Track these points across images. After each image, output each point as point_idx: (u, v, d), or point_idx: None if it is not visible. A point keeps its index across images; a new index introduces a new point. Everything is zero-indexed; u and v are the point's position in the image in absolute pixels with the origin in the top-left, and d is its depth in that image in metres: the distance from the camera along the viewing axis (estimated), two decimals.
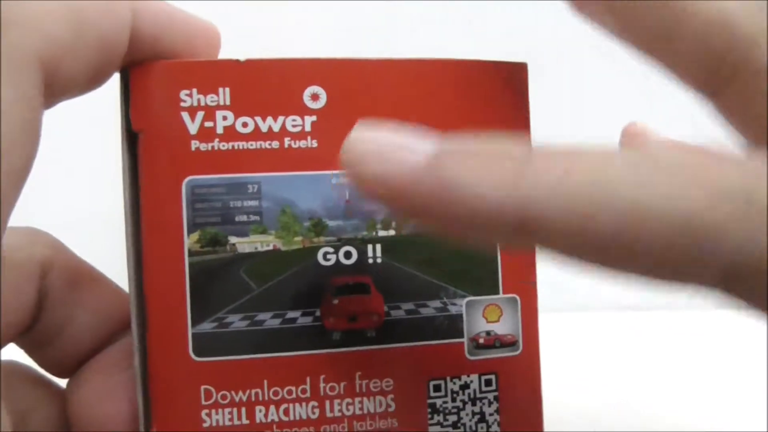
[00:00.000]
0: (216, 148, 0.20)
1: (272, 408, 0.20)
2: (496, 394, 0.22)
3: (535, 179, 0.14)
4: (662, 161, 0.15)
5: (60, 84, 0.18)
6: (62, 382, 0.22)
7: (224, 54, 0.21)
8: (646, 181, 0.14)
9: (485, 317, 0.21)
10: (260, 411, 0.20)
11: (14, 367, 0.21)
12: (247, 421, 0.20)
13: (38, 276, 0.21)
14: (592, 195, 0.14)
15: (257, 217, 0.20)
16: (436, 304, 0.21)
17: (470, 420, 0.21)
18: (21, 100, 0.17)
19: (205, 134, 0.20)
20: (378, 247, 0.21)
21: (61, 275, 0.21)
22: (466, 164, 0.15)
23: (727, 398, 0.36)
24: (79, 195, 0.48)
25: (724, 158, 0.15)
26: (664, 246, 0.14)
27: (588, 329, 0.47)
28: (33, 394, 0.21)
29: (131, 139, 0.20)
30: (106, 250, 0.25)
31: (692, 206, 0.14)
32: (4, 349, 0.21)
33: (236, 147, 0.20)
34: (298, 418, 0.20)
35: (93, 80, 0.19)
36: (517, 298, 0.22)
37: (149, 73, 0.20)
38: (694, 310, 0.49)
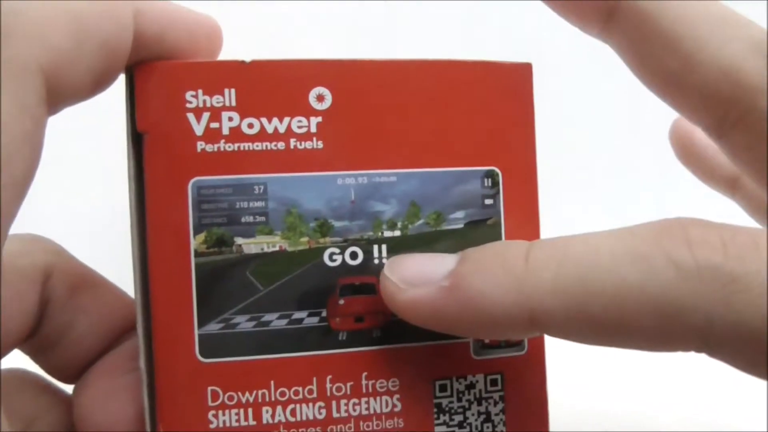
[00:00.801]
0: (222, 149, 0.20)
1: (279, 408, 0.20)
2: (501, 393, 0.22)
3: (534, 281, 0.17)
4: (638, 243, 0.17)
5: (63, 91, 0.18)
6: (68, 388, 0.22)
7: (229, 55, 0.21)
8: (621, 269, 0.17)
9: None
10: (267, 412, 0.20)
11: (20, 374, 0.21)
12: (254, 422, 0.20)
13: (40, 282, 0.21)
14: (578, 292, 0.17)
15: (263, 218, 0.20)
16: None
17: (476, 420, 0.21)
18: (22, 110, 0.17)
19: (211, 135, 0.20)
20: (384, 247, 0.21)
21: (62, 281, 0.21)
22: (477, 281, 0.18)
23: (727, 398, 0.36)
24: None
25: (703, 231, 0.17)
26: (644, 322, 0.16)
27: None
28: (39, 401, 0.21)
29: (137, 140, 0.20)
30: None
31: (663, 284, 0.16)
32: (11, 356, 0.21)
33: (242, 148, 0.20)
34: (304, 418, 0.20)
35: (97, 85, 0.19)
36: None
37: (154, 74, 0.20)
38: None
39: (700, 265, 0.16)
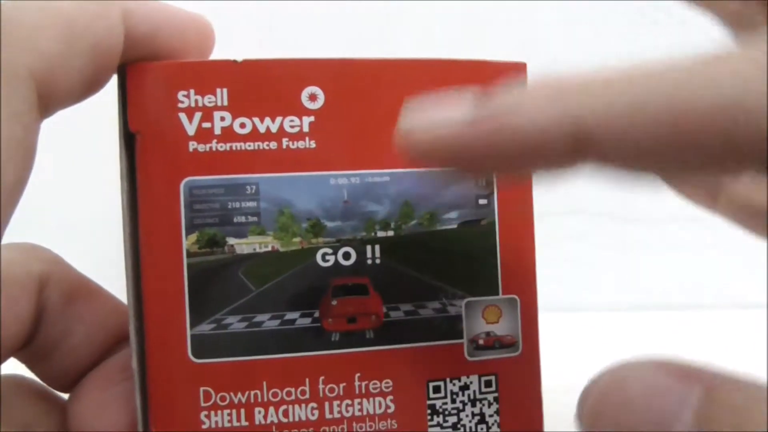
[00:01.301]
0: (214, 149, 0.20)
1: (271, 409, 0.20)
2: (496, 395, 0.21)
3: (581, 96, 0.15)
4: (705, 60, 0.14)
5: (55, 96, 0.18)
6: (65, 395, 0.22)
7: (221, 54, 0.21)
8: (684, 78, 0.14)
9: (485, 318, 0.21)
10: (259, 412, 0.20)
11: (17, 381, 0.21)
12: (247, 423, 0.20)
13: (36, 290, 0.21)
14: (634, 98, 0.14)
15: (255, 218, 0.20)
16: (435, 305, 0.21)
17: (470, 421, 0.21)
18: (13, 117, 0.16)
19: (203, 135, 0.20)
20: (377, 248, 0.21)
21: (58, 289, 0.21)
22: (512, 98, 0.15)
23: None
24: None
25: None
26: (709, 135, 0.14)
27: (588, 329, 0.47)
28: (35, 407, 0.21)
29: (129, 140, 0.20)
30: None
31: (731, 90, 0.14)
32: (9, 363, 0.21)
33: (234, 148, 0.20)
34: (297, 419, 0.20)
35: (89, 88, 0.19)
36: (517, 298, 0.22)
37: (146, 75, 0.20)
38: (694, 310, 0.50)
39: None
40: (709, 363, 0.15)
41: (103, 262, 0.23)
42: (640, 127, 0.14)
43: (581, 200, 0.52)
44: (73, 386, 0.21)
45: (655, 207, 0.53)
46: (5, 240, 0.18)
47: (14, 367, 0.21)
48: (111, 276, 0.22)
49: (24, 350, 0.21)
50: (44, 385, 0.22)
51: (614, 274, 0.54)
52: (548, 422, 0.22)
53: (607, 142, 0.15)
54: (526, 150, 0.15)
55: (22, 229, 0.21)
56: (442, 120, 0.16)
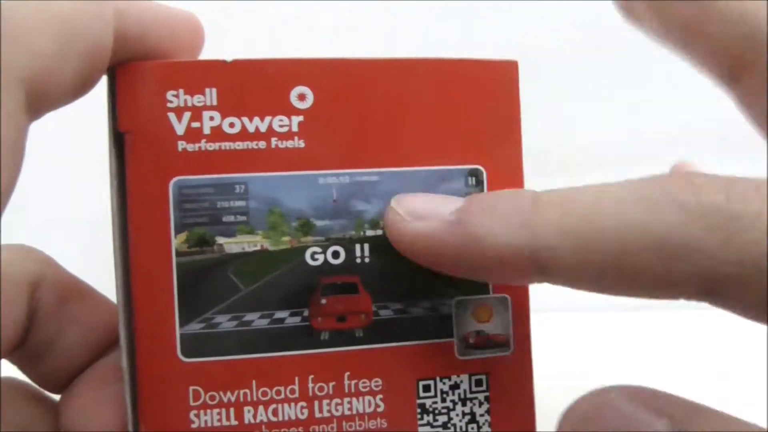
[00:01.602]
0: (203, 148, 0.20)
1: (261, 408, 0.20)
2: (486, 394, 0.21)
3: (541, 220, 0.17)
4: (643, 188, 0.17)
5: (47, 97, 0.18)
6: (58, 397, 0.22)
7: (211, 54, 0.21)
8: (626, 210, 0.17)
9: (475, 317, 0.21)
10: (249, 411, 0.20)
11: (11, 383, 0.22)
12: (236, 422, 0.20)
13: (29, 291, 0.21)
14: (583, 230, 0.17)
15: (244, 218, 0.20)
16: (425, 303, 0.21)
17: (460, 420, 0.21)
18: (4, 119, 0.17)
19: (192, 135, 0.20)
20: (366, 246, 0.21)
21: (51, 290, 0.21)
22: (481, 218, 0.18)
23: (727, 398, 0.36)
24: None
25: (707, 178, 0.17)
26: (647, 262, 0.16)
27: (585, 329, 0.47)
28: (29, 410, 0.21)
29: (118, 140, 0.20)
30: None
31: (667, 224, 0.16)
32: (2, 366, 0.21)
33: (223, 147, 0.20)
34: (286, 418, 0.20)
35: (80, 89, 0.19)
36: (508, 297, 0.22)
37: (136, 74, 0.20)
38: (693, 310, 0.49)
39: (704, 204, 0.16)
40: (680, 395, 0.17)
41: (92, 261, 0.23)
42: (588, 264, 0.17)
43: None
44: (64, 388, 0.21)
45: None
46: None
47: (5, 368, 0.21)
48: (100, 275, 0.22)
49: (16, 351, 0.21)
50: (38, 387, 0.22)
51: None
52: (543, 423, 0.22)
53: (559, 271, 0.17)
54: (488, 266, 0.18)
55: (10, 229, 0.21)
56: (425, 226, 0.19)
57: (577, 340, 0.45)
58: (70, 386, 0.21)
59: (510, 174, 0.22)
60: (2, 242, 0.21)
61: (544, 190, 0.18)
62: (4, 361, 0.21)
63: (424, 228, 0.19)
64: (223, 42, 0.23)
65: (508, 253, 0.17)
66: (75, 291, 0.22)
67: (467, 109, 0.21)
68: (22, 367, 0.22)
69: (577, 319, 0.48)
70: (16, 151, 0.17)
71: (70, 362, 0.21)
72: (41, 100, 0.18)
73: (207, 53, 0.21)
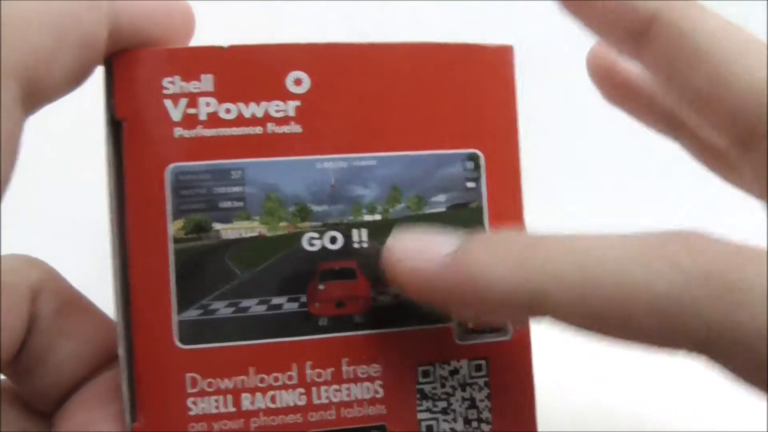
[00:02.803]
0: (199, 134, 0.20)
1: (259, 395, 0.20)
2: (486, 379, 0.21)
3: (539, 264, 0.17)
4: (645, 245, 0.17)
5: (43, 91, 0.18)
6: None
7: (207, 41, 0.21)
8: (626, 265, 0.17)
9: None
10: (247, 398, 0.20)
11: (8, 391, 0.21)
12: (234, 409, 0.20)
13: (28, 300, 0.20)
14: (582, 280, 0.17)
15: (241, 203, 0.20)
16: None
17: (460, 406, 0.21)
18: (2, 112, 0.17)
19: (189, 121, 0.20)
20: (364, 231, 0.21)
21: (50, 301, 0.21)
22: (480, 257, 0.18)
23: (726, 398, 0.36)
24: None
25: (708, 242, 0.17)
26: (645, 320, 0.17)
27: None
28: (29, 414, 0.21)
29: (115, 128, 0.20)
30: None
31: (666, 285, 0.16)
32: None
33: (220, 133, 0.20)
34: (285, 405, 0.20)
35: (75, 80, 0.19)
36: None
37: (132, 62, 0.20)
38: None
39: (703, 270, 0.16)
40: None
41: (88, 250, 0.23)
42: (584, 313, 0.17)
43: (581, 200, 0.52)
44: (55, 404, 0.21)
45: None
46: None
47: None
48: (97, 262, 0.22)
49: (10, 362, 0.21)
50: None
51: None
52: (544, 422, 0.22)
53: (557, 315, 0.17)
54: (486, 307, 0.18)
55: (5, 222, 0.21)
56: (422, 262, 0.19)
57: (577, 343, 0.45)
58: (63, 407, 0.21)
59: (507, 159, 0.22)
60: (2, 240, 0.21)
61: (543, 234, 0.18)
62: None
63: (420, 266, 0.19)
64: (218, 28, 0.23)
65: (504, 293, 0.18)
66: (74, 304, 0.21)
67: (464, 94, 0.21)
68: (14, 380, 0.21)
69: None
70: (11, 146, 0.17)
71: (62, 378, 0.21)
72: (37, 93, 0.18)
73: (203, 40, 0.21)
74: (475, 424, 0.21)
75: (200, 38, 0.21)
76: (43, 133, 0.23)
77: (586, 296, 0.17)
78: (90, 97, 0.21)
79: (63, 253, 0.22)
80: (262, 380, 0.20)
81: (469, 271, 0.18)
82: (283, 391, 0.20)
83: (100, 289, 0.22)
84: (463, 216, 0.21)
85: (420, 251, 0.19)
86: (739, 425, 0.33)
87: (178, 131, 0.20)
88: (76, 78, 0.19)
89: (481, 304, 0.18)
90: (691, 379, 0.38)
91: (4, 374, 0.21)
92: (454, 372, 0.21)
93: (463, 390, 0.21)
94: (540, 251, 0.18)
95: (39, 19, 0.17)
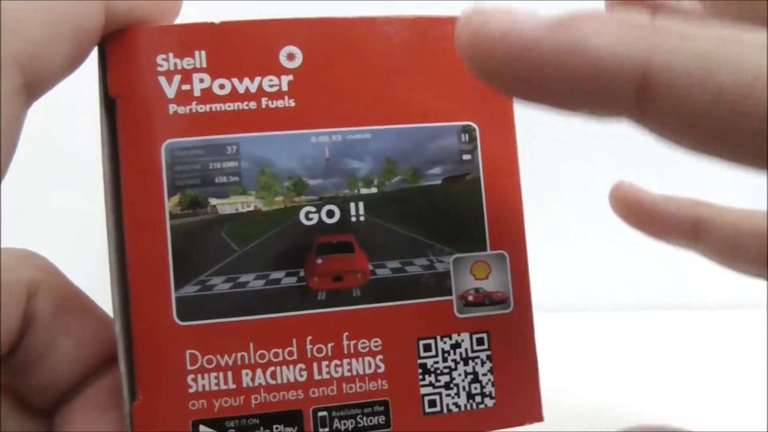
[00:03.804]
0: (194, 110, 0.20)
1: (259, 371, 0.20)
2: (488, 353, 0.21)
3: (659, 37, 0.14)
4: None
5: (41, 80, 0.18)
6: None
7: (200, 18, 0.21)
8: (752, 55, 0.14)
9: (473, 274, 0.21)
10: (247, 375, 0.20)
11: (6, 389, 0.21)
12: (234, 386, 0.20)
13: (25, 297, 0.20)
14: (708, 58, 0.14)
15: (237, 178, 0.20)
16: (422, 261, 0.21)
17: (463, 380, 0.21)
18: (3, 102, 0.17)
19: (183, 97, 0.20)
20: (360, 205, 0.21)
21: (48, 298, 0.21)
22: (591, 24, 0.15)
23: (727, 398, 0.36)
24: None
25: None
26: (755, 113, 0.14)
27: (587, 329, 0.47)
28: (29, 414, 0.21)
29: (109, 106, 0.20)
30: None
31: None
32: None
33: (214, 109, 0.20)
34: (285, 381, 0.20)
35: (71, 66, 0.19)
36: (506, 254, 0.21)
37: (125, 40, 0.20)
38: (692, 310, 0.49)
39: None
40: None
41: (84, 229, 0.23)
42: (699, 96, 0.14)
43: (581, 199, 0.52)
44: (52, 404, 0.21)
45: None
46: None
47: None
48: (93, 241, 0.22)
49: (7, 359, 0.21)
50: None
51: (614, 274, 0.54)
52: (547, 421, 0.21)
53: (665, 98, 0.14)
54: (582, 77, 0.15)
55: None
56: (519, 24, 0.15)
57: (579, 341, 0.45)
58: (63, 413, 0.21)
59: (502, 130, 0.21)
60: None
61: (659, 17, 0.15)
62: None
63: (514, 26, 0.15)
64: (211, 5, 0.23)
65: (615, 62, 0.15)
66: (74, 302, 0.21)
67: (457, 66, 0.21)
68: (12, 378, 0.21)
69: (578, 319, 0.47)
70: (12, 135, 0.17)
71: (60, 377, 0.21)
72: (36, 82, 0.18)
73: (195, 17, 0.21)
74: (478, 398, 0.21)
75: (192, 15, 0.21)
76: (38, 124, 0.23)
77: (713, 76, 0.14)
78: (88, 81, 0.21)
79: (60, 241, 0.22)
80: (262, 356, 0.20)
81: (582, 35, 0.15)
82: (284, 367, 0.20)
83: (97, 275, 0.22)
84: (460, 188, 0.21)
85: (513, 15, 0.16)
86: (739, 425, 0.33)
87: (173, 108, 0.20)
88: (72, 63, 0.19)
89: (586, 73, 0.15)
90: (691, 380, 0.38)
91: (2, 372, 0.21)
92: (456, 346, 0.21)
93: (466, 364, 0.21)
94: (662, 25, 0.15)
95: (32, 10, 0.18)
